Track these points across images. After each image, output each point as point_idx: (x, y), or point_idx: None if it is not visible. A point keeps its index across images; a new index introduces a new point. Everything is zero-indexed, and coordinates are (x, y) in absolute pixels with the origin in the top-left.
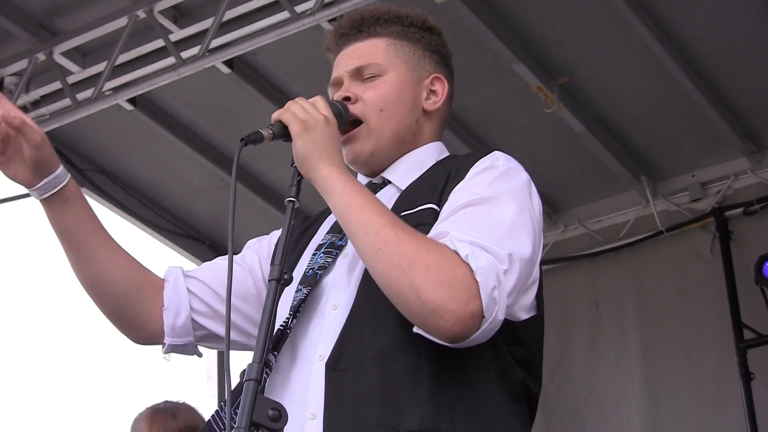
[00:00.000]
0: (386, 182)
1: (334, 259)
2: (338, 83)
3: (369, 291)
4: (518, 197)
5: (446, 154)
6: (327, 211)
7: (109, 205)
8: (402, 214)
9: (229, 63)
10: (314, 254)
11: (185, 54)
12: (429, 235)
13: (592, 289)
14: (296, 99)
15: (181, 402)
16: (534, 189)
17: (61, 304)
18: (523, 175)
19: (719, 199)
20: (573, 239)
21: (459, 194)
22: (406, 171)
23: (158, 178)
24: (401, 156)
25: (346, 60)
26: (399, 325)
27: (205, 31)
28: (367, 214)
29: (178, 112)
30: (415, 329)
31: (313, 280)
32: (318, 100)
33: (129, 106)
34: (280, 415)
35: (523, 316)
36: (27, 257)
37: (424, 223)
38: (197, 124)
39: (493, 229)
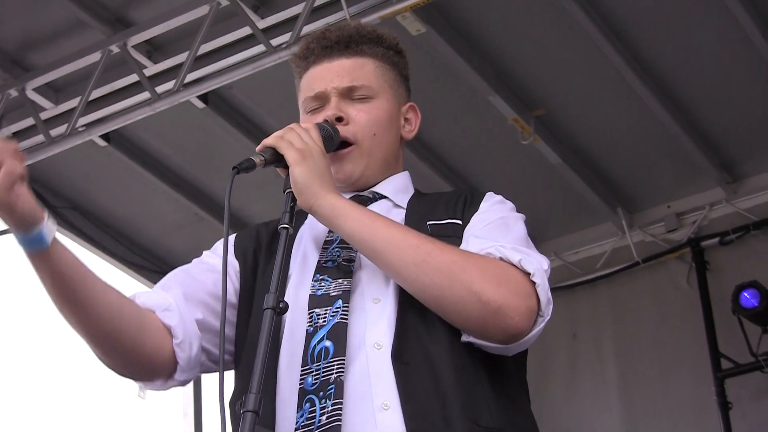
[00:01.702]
0: (377, 197)
1: (356, 254)
2: (323, 98)
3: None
4: (524, 226)
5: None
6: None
7: (83, 242)
8: (429, 223)
9: (203, 97)
10: (325, 248)
11: (159, 89)
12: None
13: (569, 321)
14: (291, 126)
15: None
16: None
17: (40, 343)
18: (522, 215)
19: (695, 230)
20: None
21: (482, 215)
22: (397, 190)
23: (132, 215)
24: (383, 177)
25: (334, 76)
26: (448, 329)
27: (179, 66)
28: (399, 232)
29: (152, 148)
30: (465, 338)
31: (347, 272)
32: (312, 130)
33: (102, 142)
34: None
35: None
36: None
37: (452, 235)
38: (171, 160)
39: (521, 240)
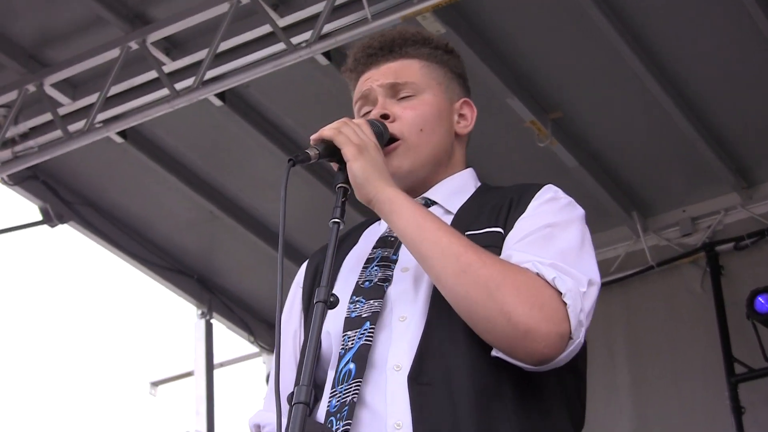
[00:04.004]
0: (429, 203)
1: (392, 273)
2: (369, 97)
3: (442, 307)
4: (580, 227)
5: (479, 182)
6: (357, 231)
7: (97, 238)
8: (467, 233)
9: (221, 96)
10: (365, 267)
11: (178, 86)
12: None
13: None
14: (344, 120)
15: None
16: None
17: (51, 338)
18: (580, 209)
19: (710, 234)
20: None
21: (526, 222)
22: (450, 193)
23: (146, 212)
24: (438, 177)
25: (379, 76)
26: (474, 344)
27: (197, 63)
28: (445, 236)
29: (167, 145)
30: (494, 353)
31: (380, 291)
32: (364, 125)
33: (119, 139)
34: None
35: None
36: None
37: (491, 245)
38: (187, 157)
39: (566, 252)
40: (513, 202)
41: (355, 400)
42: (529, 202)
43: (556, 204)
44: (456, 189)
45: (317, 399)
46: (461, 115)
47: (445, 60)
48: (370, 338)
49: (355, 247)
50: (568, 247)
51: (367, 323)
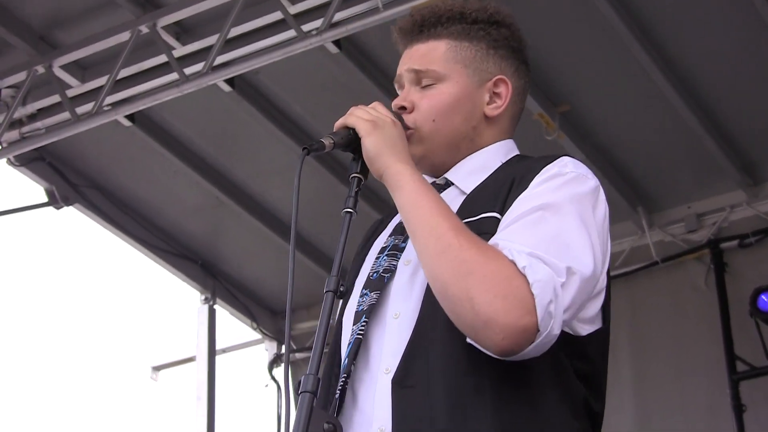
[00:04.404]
0: (449, 183)
1: (397, 263)
2: (400, 83)
3: (434, 303)
4: (580, 207)
5: (515, 153)
6: (391, 215)
7: (102, 221)
8: (464, 221)
9: (230, 81)
10: (377, 258)
11: (187, 71)
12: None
13: None
14: (358, 105)
15: None
16: (601, 196)
17: (54, 320)
18: (590, 183)
19: (715, 231)
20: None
21: (522, 203)
22: (469, 173)
23: (153, 196)
24: (461, 158)
25: (407, 60)
26: (462, 340)
27: (206, 49)
28: (434, 216)
29: (175, 130)
30: (468, 339)
31: (380, 284)
32: (378, 105)
33: (127, 122)
34: (335, 430)
35: (586, 330)
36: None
37: (485, 232)
38: (195, 142)
39: (552, 239)
40: (515, 180)
41: (336, 395)
42: (533, 178)
43: (558, 180)
44: (476, 167)
45: None
46: (496, 94)
47: (482, 35)
48: (362, 332)
49: (383, 232)
50: (556, 232)
51: (364, 316)
